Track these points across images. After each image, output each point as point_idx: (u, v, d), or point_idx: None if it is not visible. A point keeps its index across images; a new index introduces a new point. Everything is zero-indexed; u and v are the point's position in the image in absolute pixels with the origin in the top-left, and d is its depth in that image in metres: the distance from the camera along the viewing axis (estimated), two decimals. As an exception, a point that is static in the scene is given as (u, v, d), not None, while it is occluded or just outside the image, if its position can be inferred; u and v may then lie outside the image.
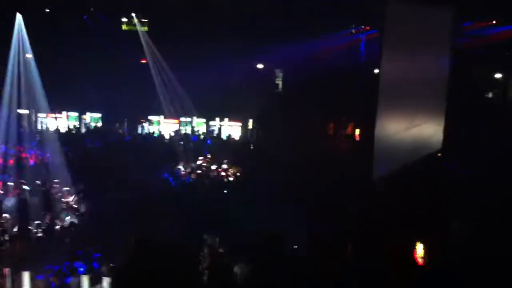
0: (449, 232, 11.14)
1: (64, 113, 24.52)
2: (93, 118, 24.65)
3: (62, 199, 13.63)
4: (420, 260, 10.24)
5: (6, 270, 8.22)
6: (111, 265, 9.01)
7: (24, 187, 13.93)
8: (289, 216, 12.30)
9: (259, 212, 12.72)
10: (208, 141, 22.25)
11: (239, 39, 20.16)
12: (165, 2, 20.19)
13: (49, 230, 11.40)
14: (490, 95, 22.73)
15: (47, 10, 21.67)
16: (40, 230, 11.30)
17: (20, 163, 16.50)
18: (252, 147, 21.57)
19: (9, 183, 14.08)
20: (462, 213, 11.88)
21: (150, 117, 24.38)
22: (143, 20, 22.88)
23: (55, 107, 23.10)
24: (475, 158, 16.20)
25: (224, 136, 23.63)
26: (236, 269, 9.23)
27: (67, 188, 13.97)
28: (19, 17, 20.70)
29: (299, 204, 13.07)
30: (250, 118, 23.83)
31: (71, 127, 24.12)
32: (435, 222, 11.24)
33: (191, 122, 24.26)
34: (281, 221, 12.04)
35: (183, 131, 23.61)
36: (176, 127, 24.00)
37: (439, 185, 13.59)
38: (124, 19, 23.06)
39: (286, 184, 14.32)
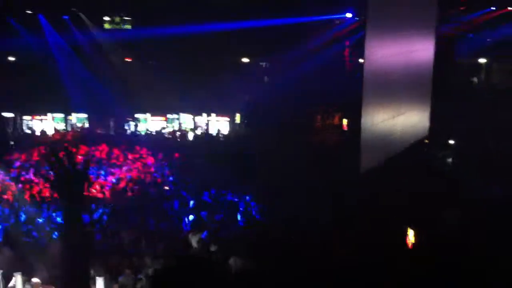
0: (438, 218, 11.25)
1: (49, 114, 24.26)
2: (79, 119, 24.40)
3: None
4: (410, 245, 10.36)
5: (-1, 273, 8.18)
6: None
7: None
8: (282, 207, 12.36)
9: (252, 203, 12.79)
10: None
11: (226, 33, 20.11)
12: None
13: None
14: (475, 80, 22.94)
15: (29, 12, 21.45)
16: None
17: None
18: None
19: None
20: (450, 200, 12.01)
21: (137, 115, 24.23)
22: (126, 18, 22.73)
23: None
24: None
25: (212, 131, 23.57)
26: (230, 262, 9.25)
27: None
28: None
29: (290, 195, 13.11)
30: (237, 112, 23.76)
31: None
32: (424, 209, 11.35)
33: (178, 119, 24.17)
34: (274, 212, 12.13)
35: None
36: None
37: (427, 172, 13.71)
38: (107, 18, 22.89)
39: (277, 176, 14.34)
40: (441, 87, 16.24)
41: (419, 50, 14.69)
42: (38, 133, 22.87)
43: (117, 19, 22.87)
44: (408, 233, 10.69)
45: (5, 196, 14.24)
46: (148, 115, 24.15)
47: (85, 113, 24.04)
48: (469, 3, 19.60)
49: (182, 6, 19.44)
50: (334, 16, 21.28)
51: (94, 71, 22.20)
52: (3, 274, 8.13)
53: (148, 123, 24.15)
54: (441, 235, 10.65)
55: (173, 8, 19.48)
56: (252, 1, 19.49)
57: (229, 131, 23.56)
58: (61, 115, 24.35)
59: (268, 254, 9.86)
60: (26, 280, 8.01)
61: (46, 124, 24.04)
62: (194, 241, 10.38)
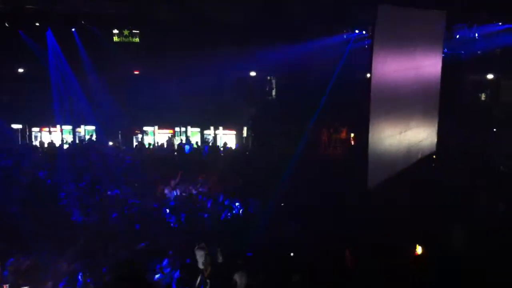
0: (445, 235, 11.21)
1: (58, 126, 24.40)
2: (87, 131, 24.55)
3: None
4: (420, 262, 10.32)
5: (6, 287, 8.21)
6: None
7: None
8: (288, 222, 12.33)
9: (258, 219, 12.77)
10: (205, 148, 22.32)
11: (232, 48, 20.21)
12: (157, 13, 20.20)
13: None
14: (483, 96, 22.88)
15: (37, 24, 21.61)
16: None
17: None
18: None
19: None
20: (457, 216, 11.97)
21: (144, 128, 24.34)
22: (134, 31, 22.88)
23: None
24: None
25: (219, 144, 23.59)
26: (236, 277, 9.25)
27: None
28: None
29: (297, 210, 13.10)
30: (245, 126, 23.82)
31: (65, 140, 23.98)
32: (431, 225, 11.31)
33: (185, 132, 24.25)
34: (280, 228, 12.10)
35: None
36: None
37: (434, 188, 13.67)
38: (115, 31, 23.05)
39: (284, 191, 14.32)
40: (449, 103, 16.25)
41: (427, 66, 14.71)
42: (46, 144, 23.01)
43: (126, 32, 23.05)
44: (416, 248, 10.66)
45: None
46: (155, 127, 24.30)
47: (93, 125, 24.17)
48: (476, 19, 19.56)
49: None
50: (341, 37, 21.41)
51: (101, 84, 22.35)
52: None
53: (155, 136, 24.29)
54: (447, 249, 10.64)
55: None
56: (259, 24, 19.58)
57: (238, 145, 23.60)
58: (70, 127, 24.50)
59: (272, 269, 9.87)
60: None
61: (55, 135, 24.20)
62: (199, 255, 10.35)
